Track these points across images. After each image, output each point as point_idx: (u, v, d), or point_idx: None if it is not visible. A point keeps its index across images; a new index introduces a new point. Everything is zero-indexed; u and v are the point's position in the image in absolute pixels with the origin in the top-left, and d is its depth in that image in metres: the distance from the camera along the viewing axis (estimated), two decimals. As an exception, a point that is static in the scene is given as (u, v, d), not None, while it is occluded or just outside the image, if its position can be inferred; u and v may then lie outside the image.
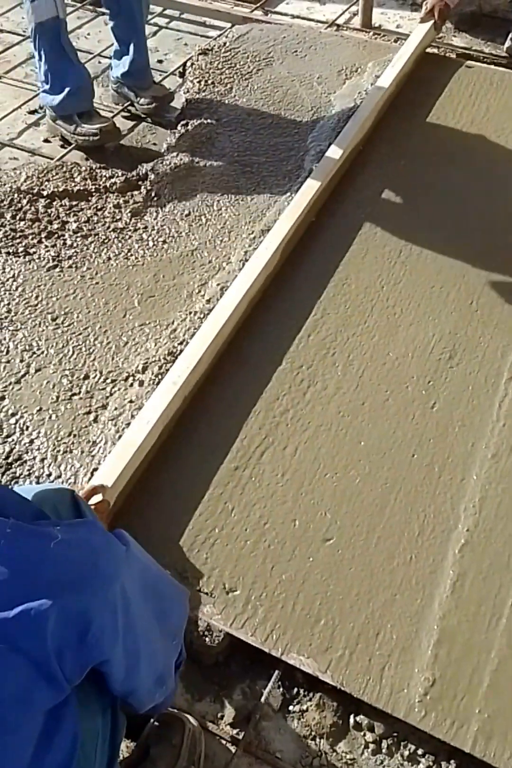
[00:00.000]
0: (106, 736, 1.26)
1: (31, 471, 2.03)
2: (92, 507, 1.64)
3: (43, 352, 2.33)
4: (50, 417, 2.16)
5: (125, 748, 1.60)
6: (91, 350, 2.34)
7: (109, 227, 2.78)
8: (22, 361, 2.30)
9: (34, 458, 2.06)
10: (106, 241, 2.73)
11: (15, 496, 1.21)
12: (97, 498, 1.76)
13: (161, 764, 1.51)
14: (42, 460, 2.06)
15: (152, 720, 1.59)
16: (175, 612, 1.39)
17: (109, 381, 2.25)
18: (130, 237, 2.75)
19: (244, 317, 2.41)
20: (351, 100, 3.34)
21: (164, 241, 2.73)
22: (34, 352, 2.33)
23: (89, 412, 2.17)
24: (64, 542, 1.10)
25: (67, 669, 1.06)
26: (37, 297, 2.50)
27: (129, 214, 2.84)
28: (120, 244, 2.72)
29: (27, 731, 1.04)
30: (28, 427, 2.13)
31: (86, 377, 2.26)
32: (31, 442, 2.10)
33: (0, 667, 0.99)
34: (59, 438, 2.11)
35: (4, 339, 2.36)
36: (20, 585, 1.03)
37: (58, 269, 2.60)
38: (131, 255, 2.68)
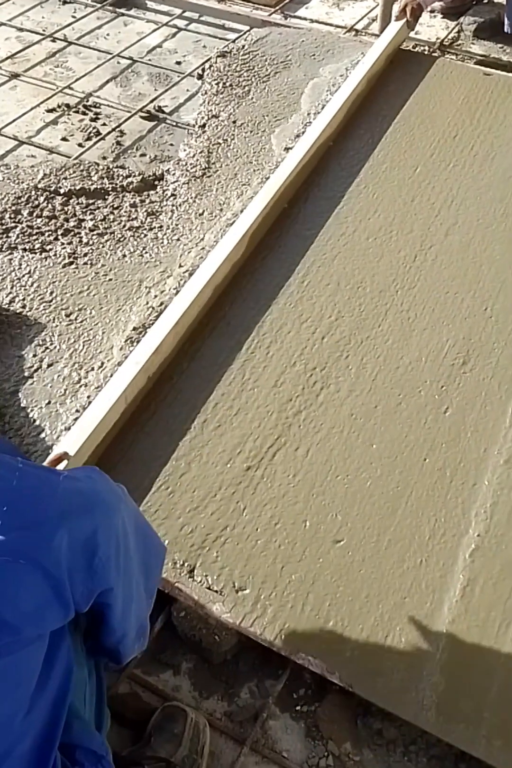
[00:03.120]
0: (92, 700, 1.37)
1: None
2: None
3: (55, 347, 2.34)
4: (57, 411, 2.18)
5: (129, 740, 1.62)
6: (99, 344, 2.36)
7: (124, 226, 2.79)
8: (35, 356, 2.32)
9: (37, 449, 2.08)
10: (121, 239, 2.74)
11: (9, 443, 1.38)
12: (63, 465, 1.82)
13: (162, 752, 1.53)
14: (45, 451, 2.07)
15: (156, 712, 1.61)
16: (155, 569, 1.46)
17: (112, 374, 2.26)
18: (146, 236, 2.76)
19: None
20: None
21: (178, 239, 2.75)
22: (47, 347, 2.34)
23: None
24: (72, 478, 1.22)
25: (77, 593, 1.14)
26: (51, 293, 2.51)
27: (145, 214, 2.85)
28: (135, 243, 2.73)
29: (37, 649, 1.11)
30: (36, 421, 2.15)
31: (92, 369, 2.29)
32: (38, 435, 2.12)
33: (20, 580, 1.06)
34: (63, 430, 2.13)
35: (19, 334, 2.37)
36: (34, 511, 1.11)
37: (73, 266, 2.61)
38: (146, 253, 2.69)
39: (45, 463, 1.82)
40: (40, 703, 1.15)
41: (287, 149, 3.10)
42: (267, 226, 2.75)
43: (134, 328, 2.38)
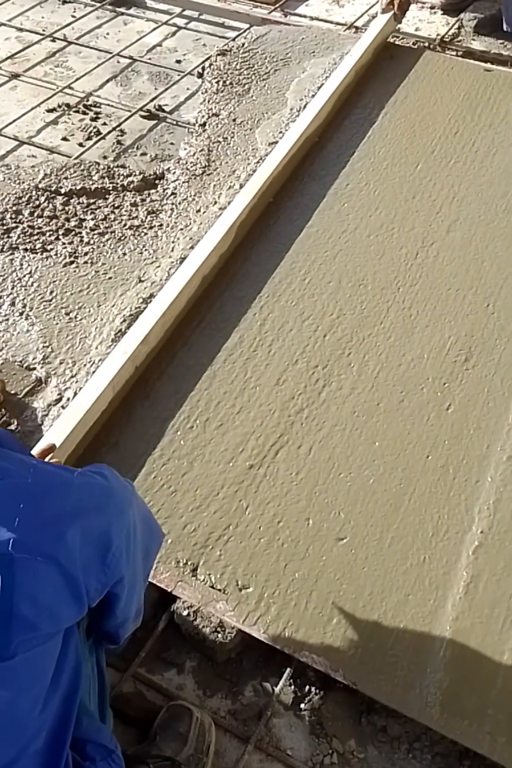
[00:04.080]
0: (95, 693, 1.39)
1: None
2: None
3: (54, 345, 2.35)
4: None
5: (134, 739, 1.62)
6: (94, 340, 2.37)
7: (125, 225, 2.79)
8: (38, 349, 2.34)
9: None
10: (122, 238, 2.74)
11: (18, 442, 1.39)
12: (48, 458, 1.83)
13: (167, 751, 1.53)
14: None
15: (162, 711, 1.61)
16: (153, 553, 1.50)
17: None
18: (146, 234, 2.76)
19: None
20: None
21: (176, 236, 2.74)
22: (45, 345, 2.35)
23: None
24: (85, 474, 1.23)
25: (92, 589, 1.16)
26: (51, 292, 2.52)
27: (145, 212, 2.85)
28: (135, 241, 2.73)
29: (53, 646, 1.13)
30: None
31: (84, 365, 2.30)
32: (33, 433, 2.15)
33: (39, 577, 1.06)
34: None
35: (18, 333, 2.38)
36: (50, 508, 1.12)
37: (73, 265, 2.61)
38: (145, 250, 2.69)
39: (32, 453, 1.82)
40: (53, 700, 1.16)
41: (271, 143, 3.13)
42: (254, 217, 2.77)
43: (123, 320, 2.41)
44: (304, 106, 3.29)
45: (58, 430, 1.98)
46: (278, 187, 2.91)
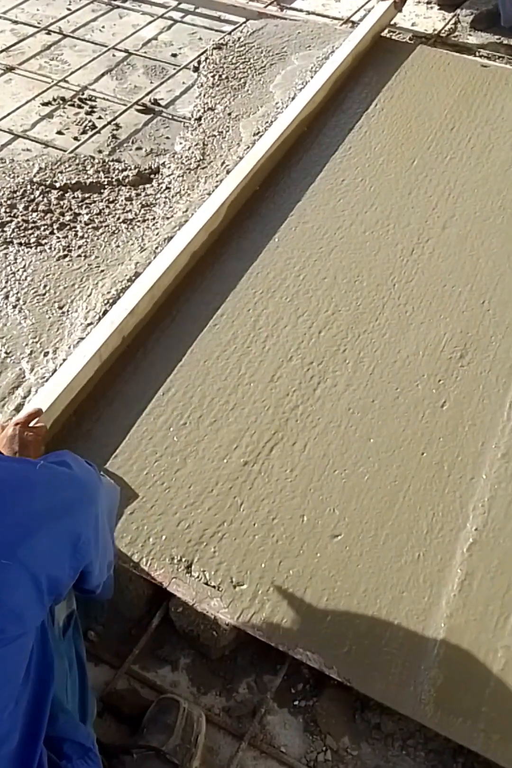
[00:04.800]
0: (75, 690, 1.39)
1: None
2: (32, 431, 1.74)
3: (46, 340, 2.34)
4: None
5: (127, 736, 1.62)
6: (78, 329, 2.38)
7: (119, 219, 2.78)
8: (27, 344, 2.33)
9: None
10: (116, 232, 2.73)
11: None
12: (34, 422, 1.81)
13: (154, 742, 1.53)
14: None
15: (151, 705, 1.61)
16: (115, 510, 1.55)
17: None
18: (139, 227, 2.76)
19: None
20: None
21: (163, 224, 2.74)
22: (38, 341, 2.34)
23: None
24: (49, 467, 1.22)
25: (65, 576, 1.17)
26: (45, 286, 2.51)
27: (139, 206, 2.84)
28: (129, 234, 2.72)
29: (23, 644, 1.12)
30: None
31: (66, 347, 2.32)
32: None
33: (3, 579, 1.05)
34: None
35: (11, 326, 2.37)
36: (14, 508, 1.10)
37: (67, 259, 2.61)
38: (137, 242, 2.69)
39: (18, 417, 1.77)
40: (23, 697, 1.15)
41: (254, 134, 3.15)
42: (245, 198, 2.78)
43: (106, 302, 2.44)
44: (292, 98, 3.29)
45: (45, 395, 2.01)
46: (265, 174, 2.91)
